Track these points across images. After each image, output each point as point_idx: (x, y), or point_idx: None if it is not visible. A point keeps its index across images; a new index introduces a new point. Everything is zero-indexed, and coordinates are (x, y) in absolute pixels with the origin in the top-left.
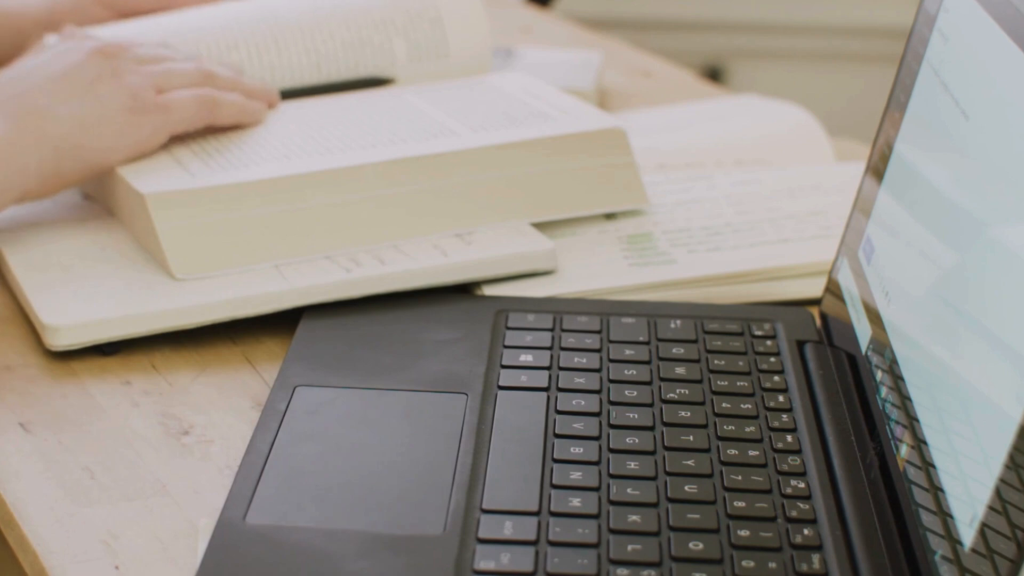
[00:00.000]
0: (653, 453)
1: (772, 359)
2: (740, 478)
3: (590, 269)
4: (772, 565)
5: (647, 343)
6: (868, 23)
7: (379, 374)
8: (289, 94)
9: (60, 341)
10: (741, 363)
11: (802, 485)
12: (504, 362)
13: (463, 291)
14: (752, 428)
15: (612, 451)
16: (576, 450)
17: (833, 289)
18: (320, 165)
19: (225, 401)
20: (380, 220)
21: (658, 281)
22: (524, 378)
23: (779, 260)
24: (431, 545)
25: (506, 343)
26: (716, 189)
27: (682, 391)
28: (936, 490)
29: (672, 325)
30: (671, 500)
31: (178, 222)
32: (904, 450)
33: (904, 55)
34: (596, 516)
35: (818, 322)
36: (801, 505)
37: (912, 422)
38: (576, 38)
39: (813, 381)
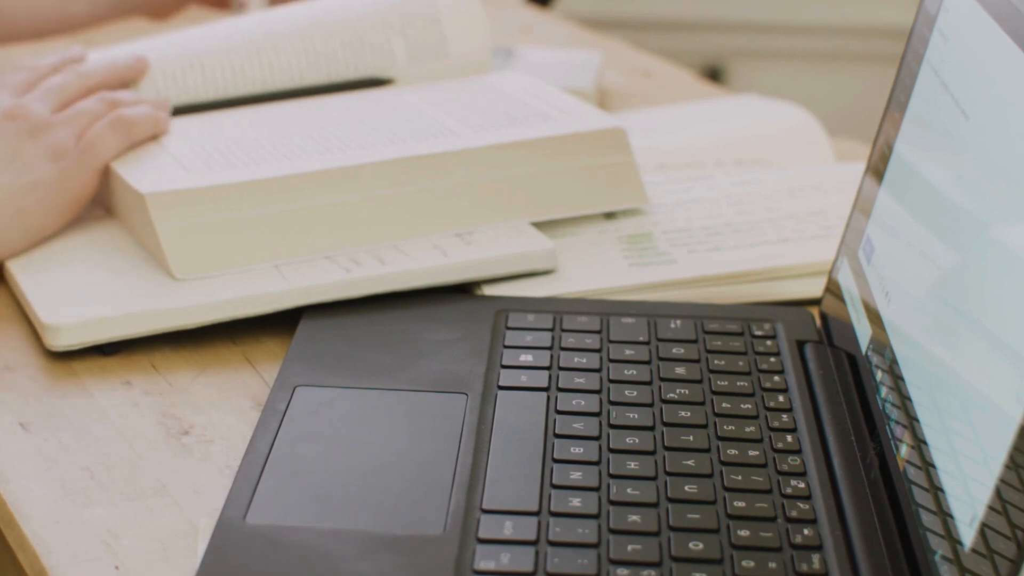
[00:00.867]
0: (653, 453)
1: (772, 359)
2: (740, 478)
3: (590, 269)
4: (772, 565)
5: (647, 343)
6: (868, 23)
7: (379, 374)
8: (289, 94)
9: (60, 341)
10: (741, 363)
11: (802, 485)
12: (504, 362)
13: (463, 291)
14: (752, 428)
15: (612, 451)
16: (576, 450)
17: (833, 289)
18: (320, 165)
19: (225, 401)
20: (380, 220)
21: (658, 281)
22: (524, 378)
23: (779, 260)
24: (431, 545)
25: (506, 343)
26: (716, 189)
27: (682, 391)
28: (936, 490)
29: (672, 325)
30: (671, 500)
31: (178, 222)
32: (904, 450)
33: (904, 55)
34: (596, 516)
35: (818, 322)
36: (801, 505)
37: (912, 422)
38: (576, 38)
39: (813, 381)
